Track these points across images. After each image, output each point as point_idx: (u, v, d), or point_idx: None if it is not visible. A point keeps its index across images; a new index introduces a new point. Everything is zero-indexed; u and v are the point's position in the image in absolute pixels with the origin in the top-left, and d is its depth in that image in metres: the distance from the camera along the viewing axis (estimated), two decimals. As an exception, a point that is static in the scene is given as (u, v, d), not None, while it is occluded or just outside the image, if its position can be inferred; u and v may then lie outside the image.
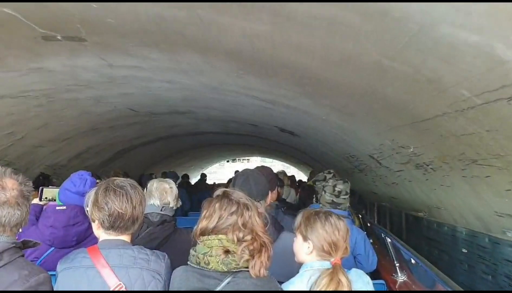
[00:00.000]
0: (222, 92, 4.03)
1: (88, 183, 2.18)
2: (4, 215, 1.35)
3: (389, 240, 3.61)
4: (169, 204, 2.18)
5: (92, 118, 5.17)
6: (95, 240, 1.58)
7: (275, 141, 8.28)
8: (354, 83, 2.54)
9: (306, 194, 4.76)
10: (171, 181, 2.29)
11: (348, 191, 2.64)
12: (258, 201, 1.86)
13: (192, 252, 1.46)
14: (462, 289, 2.41)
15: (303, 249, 1.61)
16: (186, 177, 9.24)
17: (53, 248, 2.08)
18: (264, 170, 2.16)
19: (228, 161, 31.30)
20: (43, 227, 2.10)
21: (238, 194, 1.49)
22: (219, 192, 1.52)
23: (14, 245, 1.37)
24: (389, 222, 6.16)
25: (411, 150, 3.24)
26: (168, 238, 2.05)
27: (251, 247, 1.38)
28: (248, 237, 1.39)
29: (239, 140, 10.37)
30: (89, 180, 2.19)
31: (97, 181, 6.51)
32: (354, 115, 3.47)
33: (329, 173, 3.20)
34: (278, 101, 3.96)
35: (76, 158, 6.47)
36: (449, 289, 2.26)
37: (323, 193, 2.69)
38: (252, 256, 1.37)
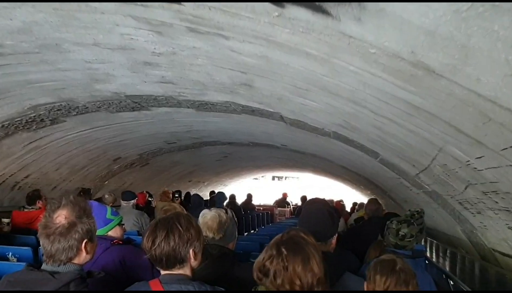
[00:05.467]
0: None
1: None
2: (49, 246, 1.40)
3: (452, 282, 3.55)
4: (224, 235, 2.10)
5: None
6: None
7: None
8: None
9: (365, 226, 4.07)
10: (222, 211, 2.19)
11: (414, 233, 2.41)
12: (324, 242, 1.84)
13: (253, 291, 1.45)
14: None
15: None
16: (232, 198, 8.40)
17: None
18: (328, 207, 2.01)
19: (273, 179, 30.19)
20: None
21: (301, 245, 1.39)
22: (285, 237, 1.42)
23: (79, 275, 1.41)
24: None
25: None
26: (227, 272, 1.95)
27: None
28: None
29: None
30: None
31: (149, 198, 7.09)
32: None
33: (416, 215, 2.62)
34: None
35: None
36: None
37: (386, 233, 2.49)
38: None
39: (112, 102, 4.23)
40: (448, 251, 4.83)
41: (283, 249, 1.37)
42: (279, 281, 1.33)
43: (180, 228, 1.48)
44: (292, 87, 2.65)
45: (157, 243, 1.46)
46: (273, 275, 1.34)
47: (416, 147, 2.62)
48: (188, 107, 4.37)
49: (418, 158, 2.91)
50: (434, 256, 5.49)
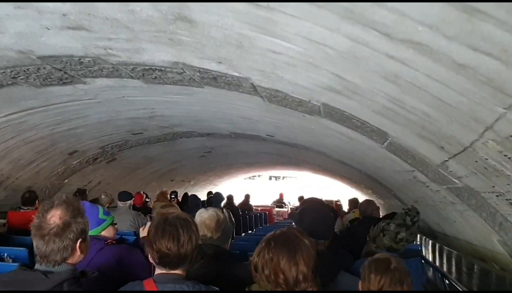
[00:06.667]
0: None
1: None
2: (43, 246, 1.38)
3: (447, 282, 3.57)
4: (221, 234, 2.10)
5: None
6: None
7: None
8: None
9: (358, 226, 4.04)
10: (219, 211, 2.22)
11: (410, 237, 2.37)
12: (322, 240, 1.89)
13: (247, 290, 1.47)
14: None
15: None
16: (230, 198, 8.38)
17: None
18: (327, 206, 2.17)
19: (270, 179, 29.44)
20: None
21: (290, 240, 1.40)
22: (277, 233, 1.45)
23: (73, 275, 1.41)
24: None
25: None
26: (223, 272, 1.92)
27: None
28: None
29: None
30: None
31: (147, 199, 7.19)
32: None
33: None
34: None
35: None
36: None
37: (381, 234, 2.39)
38: None
39: (28, 70, 3.13)
40: (476, 267, 3.73)
41: (272, 242, 1.39)
42: (266, 272, 1.34)
43: (195, 228, 1.53)
44: (247, 9, 1.56)
45: (182, 243, 1.46)
46: (261, 267, 1.36)
47: (461, 106, 1.52)
48: (132, 77, 3.27)
49: (455, 131, 1.81)
50: (454, 271, 4.39)
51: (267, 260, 1.35)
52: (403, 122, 2.16)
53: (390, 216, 3.24)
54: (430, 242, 5.54)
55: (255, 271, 1.39)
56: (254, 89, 3.03)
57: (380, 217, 4.50)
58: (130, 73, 3.18)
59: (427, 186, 3.51)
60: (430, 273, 4.33)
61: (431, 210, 4.47)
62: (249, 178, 25.06)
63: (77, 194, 5.95)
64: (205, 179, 12.16)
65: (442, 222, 4.50)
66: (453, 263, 4.40)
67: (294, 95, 2.81)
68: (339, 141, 4.17)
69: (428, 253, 5.54)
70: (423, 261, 3.94)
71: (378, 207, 4.37)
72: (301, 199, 9.66)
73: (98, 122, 5.00)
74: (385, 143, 2.97)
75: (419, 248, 5.01)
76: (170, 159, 8.32)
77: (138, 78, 3.31)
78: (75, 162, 6.37)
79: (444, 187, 3.05)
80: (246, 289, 1.44)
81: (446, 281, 3.66)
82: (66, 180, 6.79)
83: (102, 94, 3.91)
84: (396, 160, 3.36)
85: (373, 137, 3.00)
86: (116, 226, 2.47)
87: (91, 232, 1.97)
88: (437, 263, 5.00)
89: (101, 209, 2.39)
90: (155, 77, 3.25)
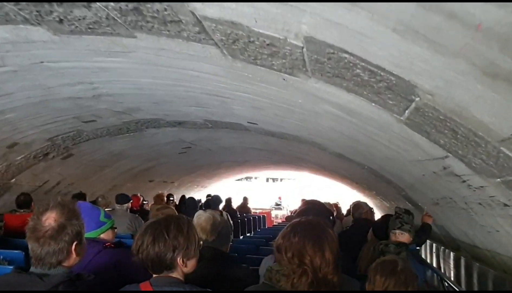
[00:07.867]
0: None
1: None
2: (38, 249, 1.37)
3: (447, 284, 3.73)
4: (218, 236, 2.11)
5: None
6: None
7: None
8: None
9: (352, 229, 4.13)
10: (216, 213, 2.26)
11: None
12: None
13: (268, 267, 1.49)
14: None
15: None
16: (228, 201, 8.34)
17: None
18: (324, 210, 2.28)
19: (268, 180, 28.65)
20: None
21: (315, 228, 1.44)
22: (303, 220, 1.48)
23: (68, 278, 1.38)
24: None
25: None
26: (222, 273, 1.94)
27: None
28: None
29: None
30: None
31: (144, 202, 7.41)
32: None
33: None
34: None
35: None
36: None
37: (381, 257, 2.32)
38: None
39: None
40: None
41: (298, 228, 1.41)
42: (289, 254, 1.36)
43: (167, 236, 1.44)
44: None
45: (144, 248, 1.44)
46: (284, 249, 1.38)
47: None
48: (27, 20, 2.19)
49: None
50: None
51: (292, 243, 1.36)
52: (456, 45, 1.07)
53: (387, 217, 3.07)
54: (452, 254, 4.44)
55: (277, 252, 1.41)
56: (201, 29, 1.95)
57: (376, 219, 4.30)
58: (19, 11, 2.10)
59: (464, 181, 2.42)
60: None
61: (458, 215, 3.38)
62: (246, 179, 24.06)
63: (74, 197, 5.71)
64: (191, 180, 11.06)
65: (473, 231, 3.41)
66: (490, 285, 3.30)
67: (260, 31, 1.72)
68: (337, 122, 3.08)
69: (449, 269, 4.44)
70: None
71: (370, 209, 4.28)
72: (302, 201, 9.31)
73: (29, 103, 3.91)
74: (407, 111, 1.89)
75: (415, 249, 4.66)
76: (144, 155, 7.24)
77: (37, 22, 2.23)
78: (20, 158, 5.28)
79: (499, 180, 1.96)
80: (267, 268, 1.46)
81: (446, 283, 3.78)
82: (13, 179, 5.70)
83: (9, 58, 2.83)
84: (420, 142, 2.27)
85: (388, 103, 1.91)
86: (115, 229, 2.46)
87: (90, 234, 1.97)
88: (463, 285, 3.91)
89: (102, 212, 2.37)
90: (60, 20, 2.17)
